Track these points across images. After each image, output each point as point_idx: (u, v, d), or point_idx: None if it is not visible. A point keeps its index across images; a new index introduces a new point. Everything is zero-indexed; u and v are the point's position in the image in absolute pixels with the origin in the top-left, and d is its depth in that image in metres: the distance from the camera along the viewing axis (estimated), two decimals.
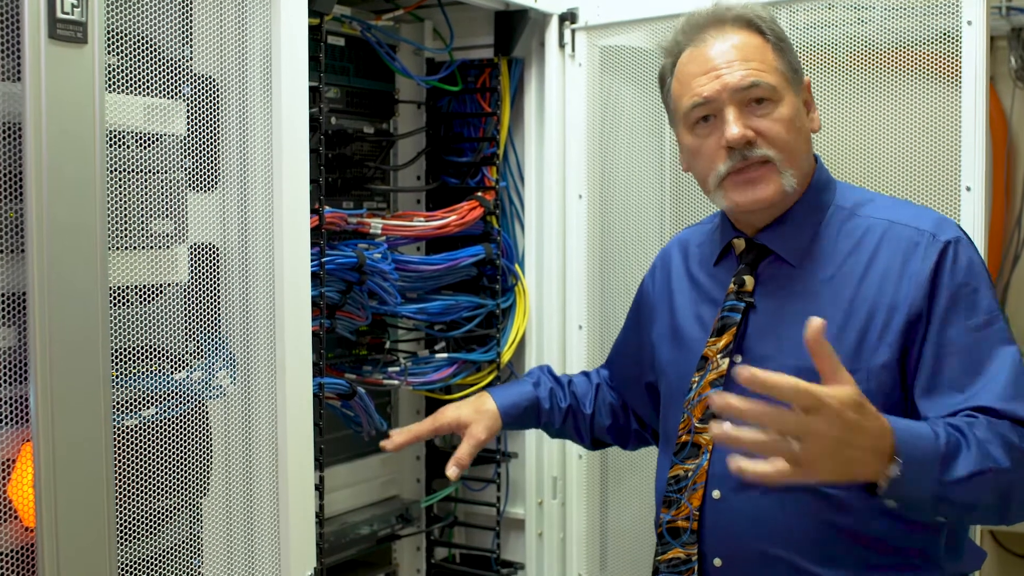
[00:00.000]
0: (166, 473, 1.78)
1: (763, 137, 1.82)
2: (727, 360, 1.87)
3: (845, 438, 1.48)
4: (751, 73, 1.83)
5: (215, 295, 1.88)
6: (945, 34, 2.20)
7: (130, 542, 1.71)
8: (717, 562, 1.86)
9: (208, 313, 1.87)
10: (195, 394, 1.84)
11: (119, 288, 1.69)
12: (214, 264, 1.88)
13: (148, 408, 1.74)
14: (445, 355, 2.75)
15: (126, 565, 1.71)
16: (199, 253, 1.85)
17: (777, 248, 1.90)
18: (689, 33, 1.92)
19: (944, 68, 2.21)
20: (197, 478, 1.85)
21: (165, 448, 1.77)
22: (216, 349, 1.88)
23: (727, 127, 1.82)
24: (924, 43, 2.24)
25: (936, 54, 2.21)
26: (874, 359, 1.77)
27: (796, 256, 1.88)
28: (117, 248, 1.68)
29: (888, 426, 1.54)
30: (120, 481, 1.68)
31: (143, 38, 1.71)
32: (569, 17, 2.74)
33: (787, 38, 1.92)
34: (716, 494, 1.85)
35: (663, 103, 2.03)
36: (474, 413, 2.16)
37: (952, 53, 2.18)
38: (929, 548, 1.80)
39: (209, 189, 1.87)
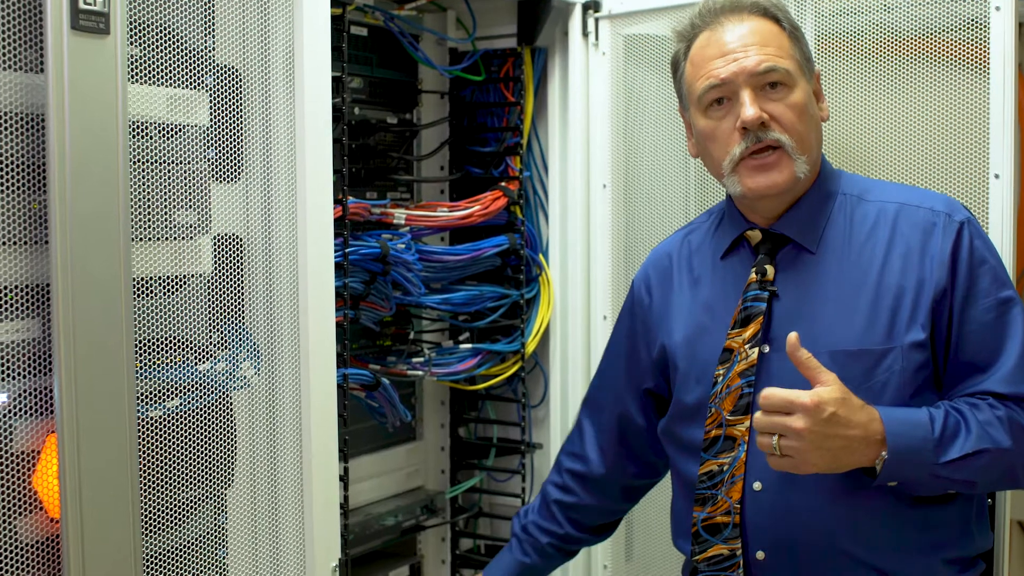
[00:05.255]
0: (190, 464, 1.78)
1: (777, 121, 1.85)
2: (756, 350, 1.87)
3: (825, 431, 1.65)
4: (768, 58, 1.86)
5: (239, 286, 1.88)
6: (973, 21, 2.18)
7: (155, 533, 1.72)
8: (760, 555, 1.85)
9: (232, 304, 1.87)
10: (219, 385, 1.84)
11: (142, 279, 1.69)
12: (238, 255, 1.88)
13: (172, 399, 1.74)
14: (469, 346, 2.75)
15: (151, 556, 1.71)
16: (222, 244, 1.85)
17: (795, 236, 1.91)
18: (706, 17, 1.95)
19: (972, 55, 2.19)
20: (221, 469, 1.85)
21: (189, 439, 1.77)
22: (240, 340, 1.88)
23: (743, 108, 1.84)
24: (952, 30, 2.22)
25: (964, 41, 2.19)
26: (906, 338, 1.80)
27: (814, 243, 1.90)
28: (140, 239, 1.68)
29: (877, 415, 1.70)
30: (144, 472, 1.68)
31: (165, 28, 1.71)
32: (592, 6, 2.72)
33: (800, 28, 1.95)
34: (757, 485, 1.85)
35: (675, 88, 2.05)
36: None
37: (980, 40, 2.16)
38: (962, 526, 1.85)
39: (232, 180, 1.87)
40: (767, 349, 1.87)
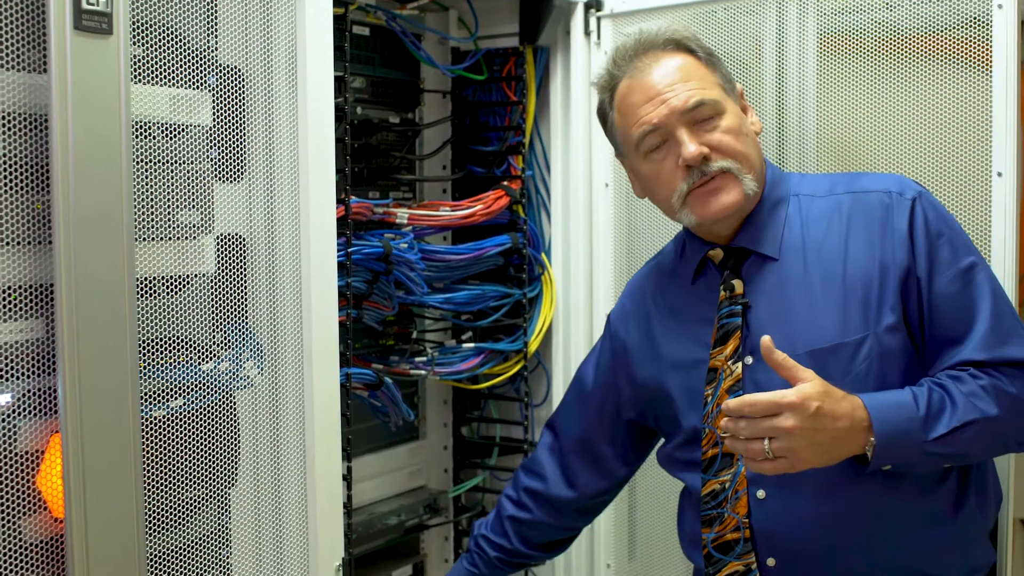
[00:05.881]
0: (194, 464, 1.78)
1: (717, 151, 1.86)
2: (739, 364, 1.88)
3: (814, 426, 1.65)
4: (694, 92, 1.87)
5: (242, 286, 1.88)
6: (975, 19, 2.18)
7: (159, 533, 1.72)
8: (771, 562, 1.86)
9: (235, 304, 1.87)
10: (223, 385, 1.84)
11: (146, 279, 1.69)
12: (240, 255, 1.88)
13: (176, 399, 1.74)
14: (472, 345, 2.75)
15: (155, 556, 1.71)
16: (225, 244, 1.85)
17: (755, 246, 1.92)
18: (621, 65, 1.96)
19: (974, 53, 2.19)
20: (225, 469, 1.85)
21: (193, 439, 1.77)
22: (243, 340, 1.88)
23: (683, 148, 1.86)
24: (954, 28, 2.21)
25: (966, 39, 2.19)
26: (879, 324, 1.82)
27: (775, 249, 1.91)
28: (144, 239, 1.68)
29: (860, 403, 1.70)
30: (148, 472, 1.68)
31: (168, 28, 1.71)
32: (594, 5, 2.72)
33: (714, 52, 1.96)
34: (761, 494, 1.86)
35: (607, 137, 2.05)
36: None
37: (982, 38, 2.16)
38: (963, 506, 1.85)
39: (235, 179, 1.87)
40: (750, 360, 1.89)
